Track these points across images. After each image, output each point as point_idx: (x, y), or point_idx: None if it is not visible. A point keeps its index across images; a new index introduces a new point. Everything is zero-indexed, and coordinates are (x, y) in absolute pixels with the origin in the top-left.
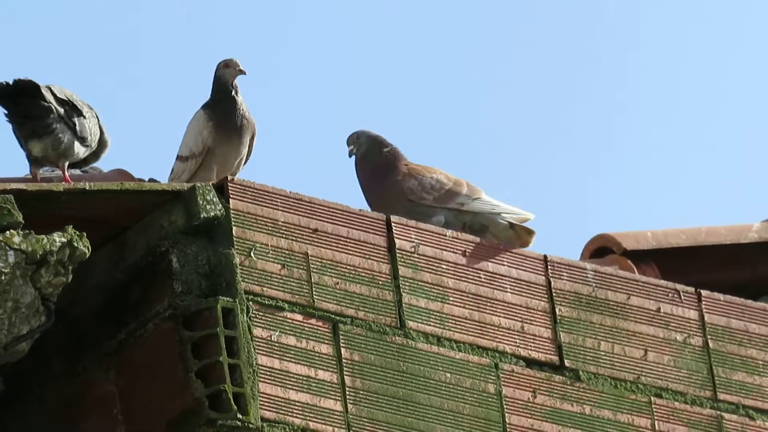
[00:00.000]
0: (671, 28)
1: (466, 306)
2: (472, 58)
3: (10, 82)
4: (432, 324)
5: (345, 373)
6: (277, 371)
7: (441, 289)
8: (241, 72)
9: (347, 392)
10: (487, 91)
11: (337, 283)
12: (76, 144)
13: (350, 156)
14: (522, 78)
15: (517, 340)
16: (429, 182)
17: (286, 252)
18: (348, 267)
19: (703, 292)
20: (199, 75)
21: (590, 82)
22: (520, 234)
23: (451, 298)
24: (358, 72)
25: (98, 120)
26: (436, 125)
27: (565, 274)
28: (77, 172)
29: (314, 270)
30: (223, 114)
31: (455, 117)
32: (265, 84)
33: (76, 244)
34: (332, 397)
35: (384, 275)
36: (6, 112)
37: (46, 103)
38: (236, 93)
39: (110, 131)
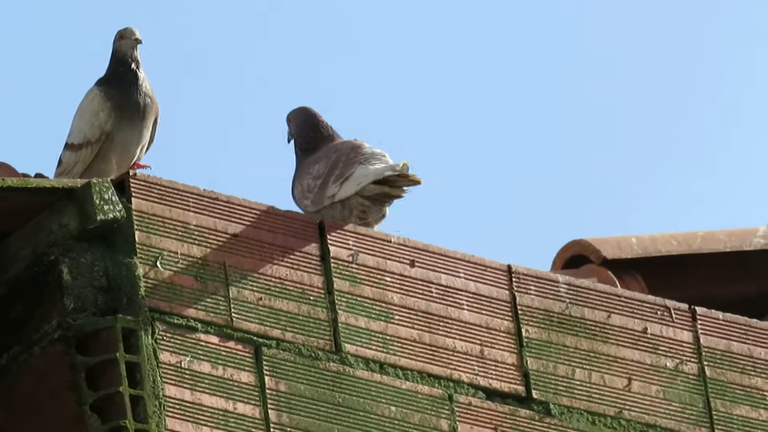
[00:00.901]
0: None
1: (415, 326)
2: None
3: None
4: (374, 347)
5: (269, 406)
6: (188, 404)
7: (384, 305)
8: (138, 41)
9: (272, 429)
10: (455, 86)
11: (260, 299)
12: None
13: (288, 141)
14: (486, 74)
15: (476, 367)
16: (307, 183)
17: (200, 262)
18: (273, 279)
19: (699, 310)
20: (99, 49)
21: (567, 76)
22: (396, 184)
23: (397, 317)
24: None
25: None
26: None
27: (533, 287)
28: None
29: (233, 283)
30: (122, 92)
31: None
32: (175, 59)
33: None
34: None
35: (316, 289)
36: None
37: None
38: (137, 67)
39: None
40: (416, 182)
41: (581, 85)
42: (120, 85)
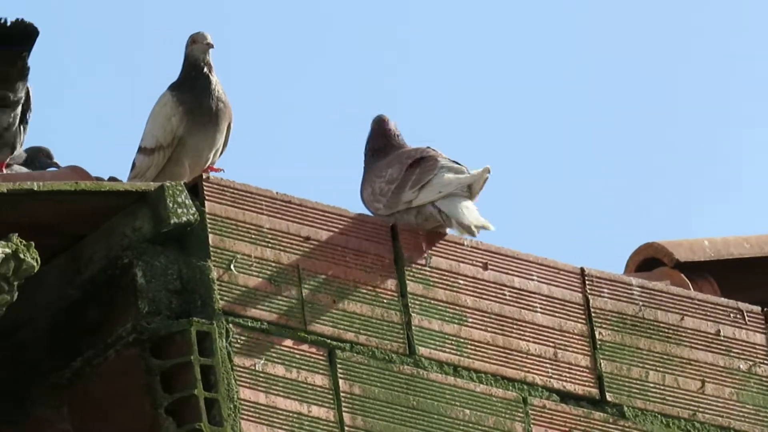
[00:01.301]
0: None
1: (488, 329)
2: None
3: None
4: (447, 350)
5: (344, 409)
6: (262, 407)
7: (458, 308)
8: (210, 45)
9: None
10: (521, 94)
11: (334, 302)
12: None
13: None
14: (560, 80)
15: (550, 370)
16: (380, 186)
17: (273, 264)
18: (347, 282)
19: None
20: (170, 55)
21: (639, 82)
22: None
23: (470, 320)
24: (365, 61)
25: None
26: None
27: (606, 290)
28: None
29: (307, 286)
30: (195, 96)
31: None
32: (246, 65)
33: (22, 256)
34: None
35: (390, 292)
36: None
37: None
38: (210, 71)
39: (62, 119)
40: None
41: (653, 84)
42: (192, 90)
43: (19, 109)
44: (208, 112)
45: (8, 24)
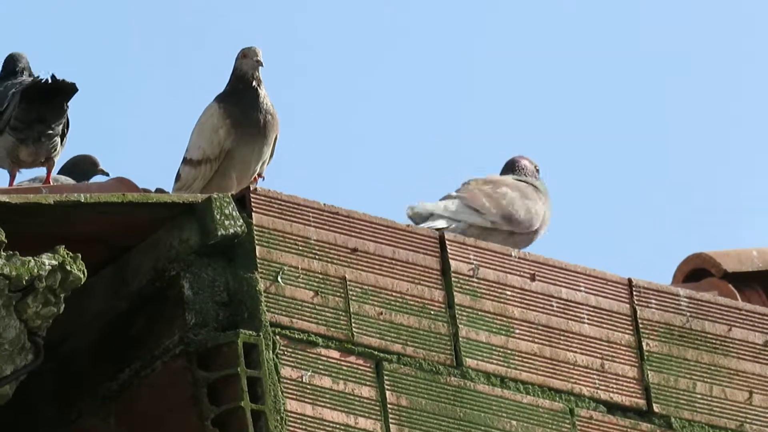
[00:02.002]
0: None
1: (536, 340)
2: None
3: (57, 79)
4: (494, 362)
5: (391, 420)
6: (309, 419)
7: (505, 320)
8: (260, 63)
9: None
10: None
11: (381, 314)
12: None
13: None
14: (598, 81)
15: (597, 381)
16: None
17: (320, 276)
18: (394, 294)
19: None
20: (214, 65)
21: (683, 84)
22: None
23: (518, 331)
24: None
25: None
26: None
27: (653, 301)
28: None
29: (353, 298)
30: (242, 109)
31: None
32: (293, 77)
33: (69, 268)
34: None
35: (437, 303)
36: (26, 103)
37: (65, 110)
38: (259, 85)
39: (108, 130)
40: None
41: (699, 94)
42: (240, 102)
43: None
44: (256, 124)
45: (53, 81)
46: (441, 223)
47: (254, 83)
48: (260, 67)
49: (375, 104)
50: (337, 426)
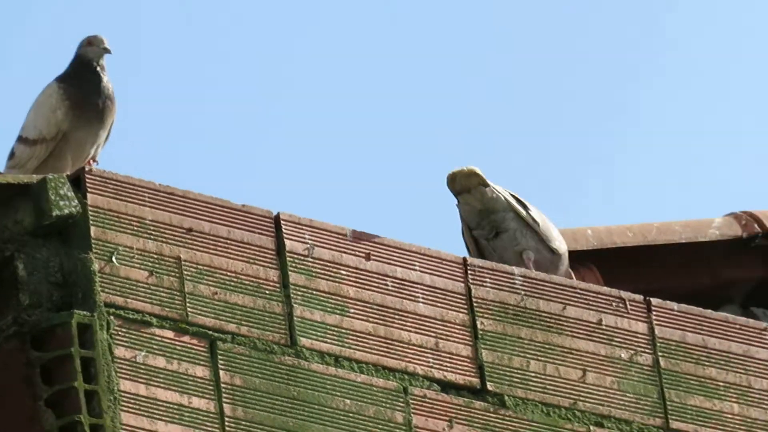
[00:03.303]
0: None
1: (370, 319)
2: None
3: None
4: (329, 341)
5: (224, 400)
6: (143, 399)
7: (340, 299)
8: (107, 50)
9: (227, 423)
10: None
11: (216, 293)
12: None
13: None
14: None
15: (431, 360)
16: None
17: (155, 256)
18: (229, 273)
19: (654, 301)
20: (55, 49)
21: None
22: None
23: (352, 310)
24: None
25: None
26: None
27: (488, 280)
28: None
29: (188, 278)
30: (83, 91)
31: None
32: (136, 60)
33: None
34: (209, 429)
35: (272, 283)
36: None
37: None
38: (102, 71)
39: None
40: None
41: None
42: (81, 85)
43: None
44: (95, 108)
45: None
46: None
47: (98, 68)
48: (106, 54)
49: (209, 82)
50: (171, 405)
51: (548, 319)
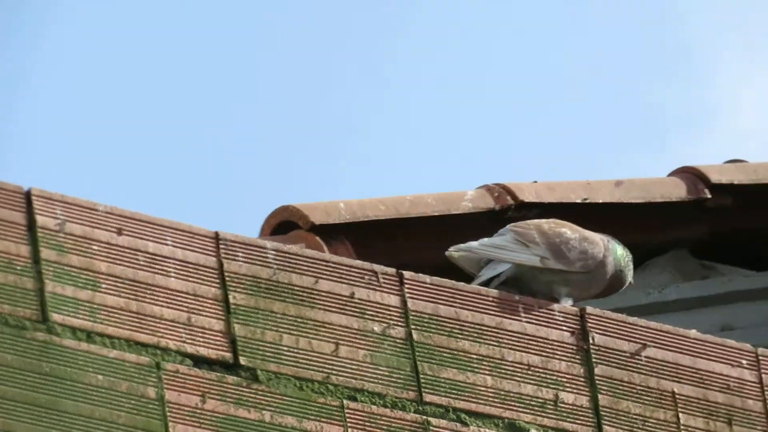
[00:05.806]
0: None
1: (122, 294)
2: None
3: None
4: (81, 317)
5: None
6: None
7: (92, 274)
8: None
9: None
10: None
11: None
12: None
13: None
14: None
15: (183, 335)
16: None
17: None
18: None
19: (406, 274)
20: None
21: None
22: None
23: (104, 285)
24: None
25: None
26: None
27: (240, 254)
28: None
29: None
30: None
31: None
32: None
33: None
34: None
35: (23, 259)
36: None
37: None
38: None
39: None
40: None
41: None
42: None
43: None
44: None
45: None
46: (487, 273)
47: None
48: None
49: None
50: None
51: (301, 293)
